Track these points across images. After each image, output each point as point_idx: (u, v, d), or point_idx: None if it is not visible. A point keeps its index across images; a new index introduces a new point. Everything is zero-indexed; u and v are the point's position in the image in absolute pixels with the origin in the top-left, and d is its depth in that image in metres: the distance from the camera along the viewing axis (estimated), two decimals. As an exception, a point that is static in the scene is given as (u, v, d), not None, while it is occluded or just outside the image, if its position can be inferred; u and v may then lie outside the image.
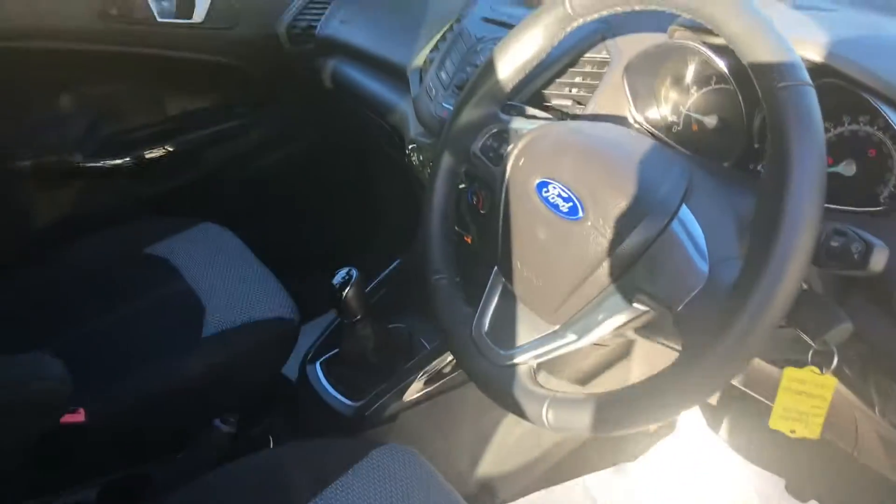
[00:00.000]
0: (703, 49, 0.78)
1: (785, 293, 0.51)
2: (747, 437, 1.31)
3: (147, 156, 1.59)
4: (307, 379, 1.15)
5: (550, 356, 0.69)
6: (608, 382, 1.21)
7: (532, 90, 0.98)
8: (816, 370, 0.64)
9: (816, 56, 0.70)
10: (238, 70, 1.62)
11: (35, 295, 1.22)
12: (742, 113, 0.78)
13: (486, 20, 1.14)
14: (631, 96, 0.89)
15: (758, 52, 0.56)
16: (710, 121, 0.83)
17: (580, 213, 0.65)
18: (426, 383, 1.11)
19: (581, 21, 0.72)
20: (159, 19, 1.48)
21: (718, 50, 0.77)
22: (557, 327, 0.69)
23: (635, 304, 0.62)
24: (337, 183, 1.81)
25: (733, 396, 1.29)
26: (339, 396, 1.12)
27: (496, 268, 0.76)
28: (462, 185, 1.05)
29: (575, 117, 0.93)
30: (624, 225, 0.62)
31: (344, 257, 1.73)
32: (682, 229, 0.61)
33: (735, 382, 0.87)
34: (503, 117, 0.80)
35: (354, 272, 1.06)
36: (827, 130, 0.71)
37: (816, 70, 0.56)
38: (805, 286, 0.62)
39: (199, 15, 1.52)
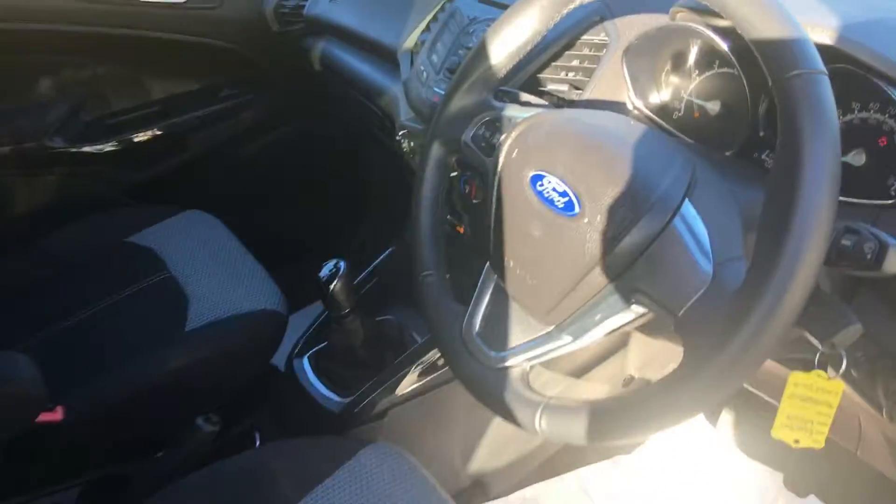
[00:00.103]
0: (707, 31, 0.75)
1: (795, 298, 0.48)
2: (744, 430, 1.29)
3: (131, 141, 1.54)
4: (294, 373, 1.12)
5: (544, 358, 0.66)
6: (604, 374, 1.18)
7: (527, 75, 0.94)
8: (824, 374, 0.60)
9: (825, 39, 0.66)
10: (224, 52, 1.56)
11: (11, 287, 1.18)
12: (747, 99, 0.74)
13: (480, 0, 1.10)
14: (630, 81, 0.86)
15: (768, 36, 0.52)
16: (713, 107, 0.80)
17: (576, 209, 0.61)
18: (418, 378, 1.08)
19: (578, 2, 0.68)
20: (142, -1, 1.44)
21: (722, 32, 0.74)
22: (552, 328, 0.65)
23: (634, 306, 0.59)
24: (327, 168, 1.77)
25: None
26: (328, 392, 1.08)
27: (488, 264, 0.72)
28: (454, 174, 1.02)
29: (572, 103, 0.90)
30: (623, 222, 0.58)
31: (335, 244, 1.71)
32: (685, 227, 0.57)
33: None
34: (496, 104, 0.75)
35: (342, 264, 1.02)
36: None
37: (825, 54, 0.52)
38: None
39: (182, -6, 1.48)
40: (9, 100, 1.45)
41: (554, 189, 0.63)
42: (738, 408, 1.28)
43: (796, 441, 0.61)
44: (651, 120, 0.85)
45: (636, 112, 0.87)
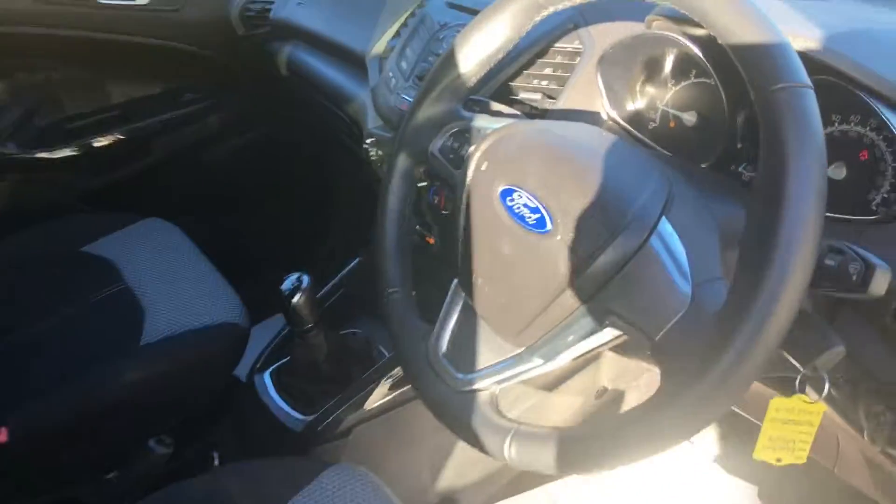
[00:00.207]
0: (684, 40, 0.73)
1: (779, 323, 0.45)
2: (721, 444, 1.27)
3: (89, 146, 1.49)
4: (255, 390, 1.07)
5: (514, 381, 0.63)
6: (577, 387, 1.15)
7: (498, 83, 0.91)
8: (805, 398, 0.58)
9: (805, 49, 0.64)
10: (187, 55, 1.52)
11: (-43, 298, 1.12)
12: (724, 110, 0.72)
13: (451, 5, 1.07)
14: (605, 90, 0.84)
15: (751, 47, 0.50)
16: (689, 118, 0.78)
17: (548, 226, 0.58)
18: (385, 394, 1.04)
19: (552, 9, 0.65)
20: (100, 0, 1.38)
21: (700, 41, 0.72)
22: (522, 350, 0.62)
23: (608, 329, 0.55)
24: (293, 176, 1.73)
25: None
26: (290, 410, 1.04)
27: (455, 280, 0.69)
28: (423, 183, 0.98)
29: (545, 112, 0.87)
30: (597, 240, 0.55)
31: (300, 254, 1.67)
32: (662, 245, 0.54)
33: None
34: (465, 114, 0.72)
35: (305, 278, 0.98)
36: None
37: (805, 65, 0.49)
38: None
39: (143, -4, 1.43)
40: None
41: (525, 205, 0.59)
42: (715, 422, 1.26)
43: (778, 460, 0.59)
44: (625, 130, 0.83)
45: (610, 122, 0.84)
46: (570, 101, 0.86)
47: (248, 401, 1.07)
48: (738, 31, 0.51)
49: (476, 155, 0.67)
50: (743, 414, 0.93)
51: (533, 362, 0.61)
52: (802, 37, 0.65)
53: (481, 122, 0.71)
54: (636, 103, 0.84)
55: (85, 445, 1.00)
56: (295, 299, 0.96)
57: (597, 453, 0.52)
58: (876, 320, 0.60)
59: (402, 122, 0.77)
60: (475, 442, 0.61)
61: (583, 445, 0.53)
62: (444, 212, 0.97)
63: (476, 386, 0.63)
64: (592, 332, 0.57)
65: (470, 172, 0.66)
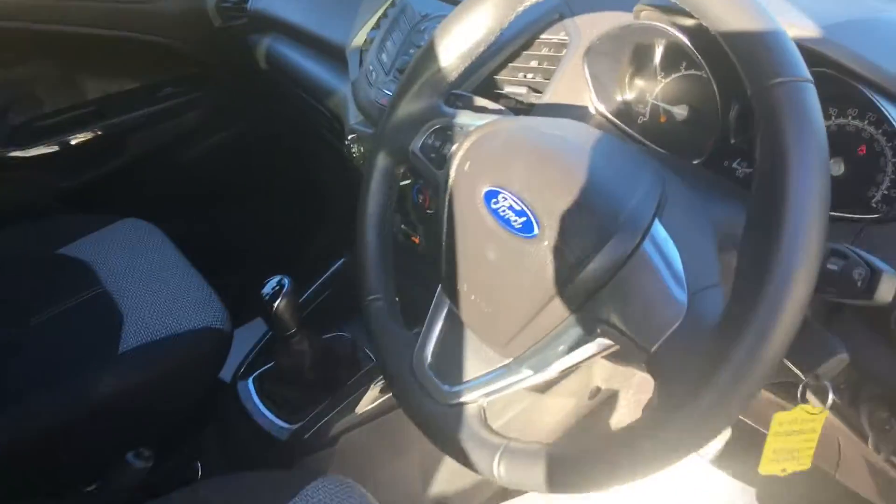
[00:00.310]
0: (673, 31, 0.70)
1: (782, 335, 0.42)
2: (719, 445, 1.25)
3: (64, 144, 1.44)
4: (238, 398, 1.04)
5: (503, 393, 0.60)
6: (569, 388, 1.13)
7: (481, 77, 0.88)
8: (808, 408, 0.56)
9: (801, 40, 0.61)
10: (164, 49, 1.48)
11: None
12: (716, 103, 0.69)
13: (432, -5, 1.03)
14: (592, 83, 0.81)
15: (746, 39, 0.47)
16: (680, 111, 0.76)
17: (535, 230, 0.54)
18: (373, 399, 1.01)
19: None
20: (71, -8, 1.34)
21: (690, 31, 0.69)
22: (510, 360, 0.59)
23: (601, 339, 0.53)
24: (275, 173, 1.69)
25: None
26: (274, 419, 1.01)
27: (440, 287, 0.65)
28: (407, 181, 0.95)
29: (531, 107, 0.84)
30: (587, 245, 0.52)
31: (284, 253, 1.63)
32: (656, 250, 0.51)
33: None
34: (447, 110, 0.69)
35: (287, 281, 0.95)
36: None
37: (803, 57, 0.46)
38: None
39: (115, -13, 1.39)
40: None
41: (510, 207, 0.56)
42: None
43: (783, 470, 0.57)
44: (614, 125, 0.80)
45: (598, 117, 0.82)
46: (556, 94, 0.83)
47: (231, 409, 1.04)
48: (732, 21, 0.48)
49: (458, 154, 0.63)
50: (741, 417, 0.90)
51: (522, 373, 0.58)
52: (797, 26, 0.62)
53: (464, 118, 0.67)
54: (625, 97, 0.81)
55: (61, 458, 0.97)
56: (276, 304, 0.93)
57: (590, 473, 0.49)
58: (879, 324, 0.57)
59: (382, 117, 0.74)
60: (462, 459, 0.58)
61: (575, 465, 0.50)
62: (428, 211, 0.94)
63: (463, 399, 0.60)
64: (583, 343, 0.54)
65: (452, 173, 0.63)
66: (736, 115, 0.70)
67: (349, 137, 1.05)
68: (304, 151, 1.65)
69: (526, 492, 1.23)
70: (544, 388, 1.09)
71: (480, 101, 0.73)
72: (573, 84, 0.82)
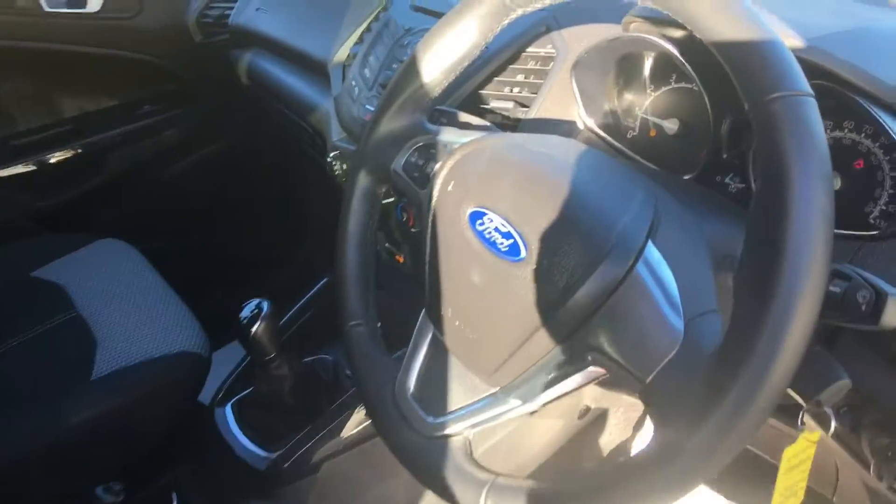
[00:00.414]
0: (664, 43, 0.67)
1: (784, 366, 0.40)
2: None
3: (40, 163, 1.41)
4: (216, 425, 1.00)
5: (489, 424, 0.56)
6: (558, 408, 1.09)
7: (466, 92, 0.86)
8: (809, 436, 0.53)
9: (795, 51, 0.59)
10: (144, 65, 1.45)
11: None
12: (708, 117, 0.67)
13: (417, 8, 1.02)
14: (580, 97, 0.79)
15: (743, 51, 0.44)
16: (671, 125, 0.73)
17: (522, 253, 0.52)
18: (358, 423, 0.97)
19: (520, 12, 0.59)
20: (46, 9, 1.32)
21: (681, 44, 0.66)
22: (497, 389, 0.56)
23: (592, 367, 0.50)
24: (257, 190, 1.65)
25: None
26: (253, 447, 0.97)
27: (424, 311, 0.62)
28: (390, 199, 0.93)
29: (517, 122, 0.81)
30: (577, 269, 0.49)
31: (265, 274, 1.60)
32: (650, 273, 0.48)
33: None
34: (430, 127, 0.66)
35: (265, 304, 0.91)
36: None
37: None
38: None
39: (94, 3, 1.36)
40: None
41: (496, 229, 0.53)
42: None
43: None
44: (603, 140, 0.78)
45: (587, 131, 0.79)
46: (543, 109, 0.81)
47: (207, 437, 1.00)
48: (728, 32, 0.45)
49: (442, 173, 0.60)
50: None
51: (509, 403, 0.55)
52: (789, 37, 0.60)
53: (448, 136, 0.64)
54: (614, 111, 0.79)
55: (26, 492, 0.93)
56: (255, 329, 0.89)
57: None
58: (880, 347, 0.55)
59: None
60: (447, 495, 0.55)
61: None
62: (413, 229, 0.92)
63: (448, 431, 0.57)
64: (574, 371, 0.51)
65: (436, 193, 0.60)
66: (728, 129, 0.67)
67: (332, 154, 1.02)
68: (287, 169, 1.63)
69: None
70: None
71: (465, 117, 0.71)
72: (561, 98, 0.80)
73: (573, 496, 0.46)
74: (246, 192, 1.63)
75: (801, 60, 0.56)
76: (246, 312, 0.92)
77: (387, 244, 1.00)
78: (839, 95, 0.58)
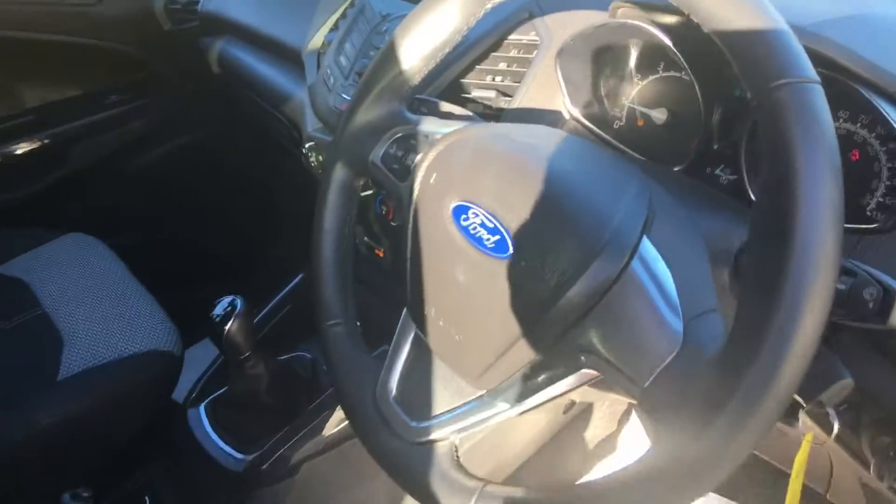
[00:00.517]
0: (653, 29, 0.65)
1: (792, 370, 0.37)
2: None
3: (1, 156, 1.35)
4: (189, 426, 0.96)
5: (476, 428, 0.54)
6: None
7: (447, 80, 0.83)
8: (811, 438, 0.51)
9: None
10: (110, 53, 1.40)
11: None
12: (699, 106, 0.65)
13: (393, -6, 0.98)
14: (565, 86, 0.76)
15: (744, 36, 0.42)
16: (659, 115, 0.71)
17: (510, 249, 0.49)
18: (337, 422, 0.94)
19: None
20: (7, -5, 1.25)
21: (671, 30, 0.64)
22: (483, 393, 0.53)
23: (585, 370, 0.47)
24: (229, 183, 1.61)
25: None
26: (228, 449, 0.93)
27: (405, 310, 0.59)
28: (369, 192, 0.90)
29: (500, 112, 0.79)
30: (568, 266, 0.46)
31: (238, 269, 1.56)
32: (645, 271, 0.46)
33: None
34: (410, 117, 0.63)
35: (239, 301, 0.88)
36: None
37: None
38: None
39: (56, -12, 1.30)
40: None
41: (481, 224, 0.51)
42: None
43: None
44: (589, 130, 0.75)
45: (572, 121, 0.77)
46: (527, 98, 0.78)
47: (181, 439, 0.96)
48: (728, 16, 0.43)
49: (423, 165, 0.57)
50: None
51: (497, 407, 0.53)
52: (787, 23, 0.58)
53: (429, 125, 0.61)
54: (600, 100, 0.77)
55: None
56: (228, 327, 0.86)
57: None
58: (883, 345, 0.53)
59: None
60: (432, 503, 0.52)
61: None
62: (393, 223, 0.89)
63: (433, 436, 0.54)
64: (566, 374, 0.48)
65: (417, 185, 0.57)
66: (720, 119, 0.65)
67: (307, 146, 0.99)
68: (260, 161, 1.59)
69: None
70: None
71: (447, 107, 0.68)
72: (545, 87, 0.77)
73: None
74: (218, 185, 1.58)
75: None
76: (219, 310, 0.88)
77: (366, 238, 0.97)
78: (836, 83, 0.56)
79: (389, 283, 0.94)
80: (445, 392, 0.55)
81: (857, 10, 0.62)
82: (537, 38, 0.80)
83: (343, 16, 1.01)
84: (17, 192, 1.37)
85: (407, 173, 0.59)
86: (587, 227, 0.47)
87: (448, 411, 0.55)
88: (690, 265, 0.47)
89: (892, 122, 0.54)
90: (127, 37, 1.40)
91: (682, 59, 0.64)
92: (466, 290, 0.52)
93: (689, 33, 0.63)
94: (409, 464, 0.54)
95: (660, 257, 0.47)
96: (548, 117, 0.77)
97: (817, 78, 0.40)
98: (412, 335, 0.59)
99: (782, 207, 0.38)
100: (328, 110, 0.92)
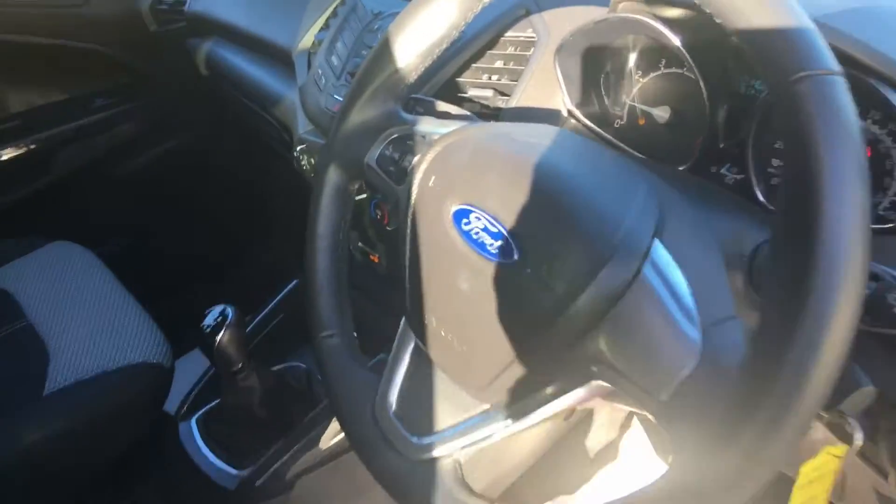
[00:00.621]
0: (656, 24, 0.62)
1: (825, 378, 0.35)
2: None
3: (-17, 162, 1.32)
4: (180, 441, 0.93)
5: (483, 444, 0.51)
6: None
7: (442, 79, 0.80)
8: (833, 450, 0.49)
9: None
10: (95, 55, 1.37)
11: None
12: (703, 103, 0.63)
13: (385, -9, 0.95)
14: (564, 84, 0.73)
15: (762, 28, 0.39)
16: (661, 113, 0.69)
17: (515, 255, 0.46)
18: (333, 434, 0.91)
19: None
20: (-11, -3, 1.23)
21: (674, 24, 0.62)
22: (488, 406, 0.51)
23: (596, 382, 0.45)
24: (219, 188, 1.58)
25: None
26: (221, 464, 0.90)
27: (403, 320, 0.57)
28: (363, 196, 0.87)
29: (497, 111, 0.76)
30: (577, 272, 0.44)
31: (230, 276, 1.53)
32: (658, 276, 0.43)
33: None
34: (406, 117, 0.60)
35: (230, 311, 0.85)
36: None
37: None
38: None
39: (40, -11, 1.28)
40: None
41: (484, 228, 0.48)
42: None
43: None
44: (589, 129, 0.73)
45: (572, 121, 0.74)
46: (525, 97, 0.76)
47: (172, 454, 0.93)
48: (744, 8, 0.40)
49: (421, 167, 0.55)
50: None
51: (503, 421, 0.50)
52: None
53: (426, 126, 0.59)
54: (600, 98, 0.74)
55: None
56: (219, 338, 0.83)
57: None
58: None
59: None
60: None
61: None
62: (388, 228, 0.86)
63: (435, 453, 0.51)
64: (576, 386, 0.46)
65: (415, 188, 0.55)
66: (725, 116, 0.63)
67: (298, 148, 0.96)
68: (251, 164, 1.56)
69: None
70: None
71: (443, 106, 0.65)
72: (543, 85, 0.75)
73: None
74: (207, 190, 1.55)
75: None
76: (209, 320, 0.85)
77: (360, 243, 0.94)
78: (848, 78, 0.54)
79: (385, 288, 0.92)
80: (448, 406, 0.53)
81: (868, 2, 0.60)
82: (534, 35, 0.78)
83: (334, 14, 0.99)
84: (2, 199, 1.35)
85: (404, 176, 0.57)
86: (595, 230, 0.45)
87: (451, 427, 0.52)
88: (705, 269, 0.45)
89: None
90: (113, 39, 1.37)
91: (686, 55, 0.62)
92: (469, 298, 0.49)
93: (693, 27, 0.61)
94: (412, 483, 0.52)
95: (673, 262, 0.44)
96: (546, 116, 0.75)
97: (840, 69, 0.38)
98: (412, 346, 0.56)
99: (806, 208, 0.36)
100: (320, 111, 0.90)
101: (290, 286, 1.13)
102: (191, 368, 1.10)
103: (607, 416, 1.21)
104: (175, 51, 1.37)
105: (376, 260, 0.93)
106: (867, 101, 0.55)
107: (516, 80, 0.77)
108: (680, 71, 0.68)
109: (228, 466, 0.91)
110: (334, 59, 0.91)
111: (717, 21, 0.42)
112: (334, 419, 0.92)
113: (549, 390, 0.47)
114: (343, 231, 0.64)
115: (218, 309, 0.86)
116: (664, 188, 0.50)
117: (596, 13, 0.69)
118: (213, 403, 0.98)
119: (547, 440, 1.10)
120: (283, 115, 1.07)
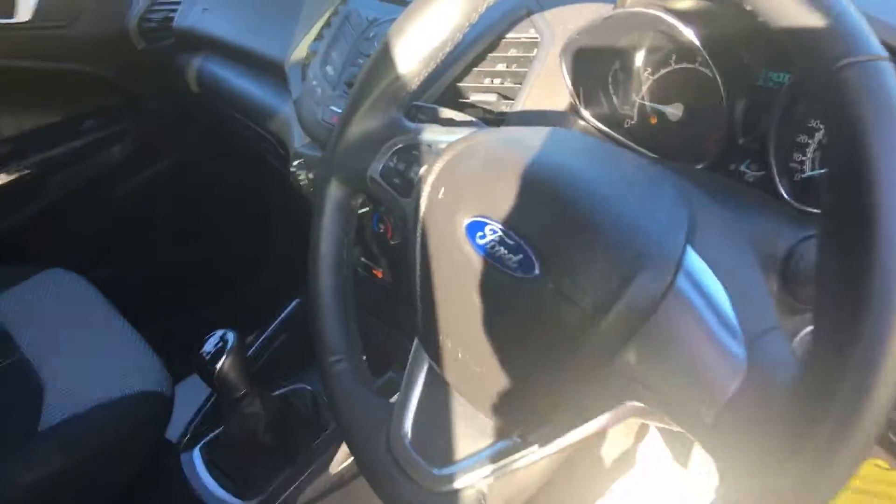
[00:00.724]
0: (667, 17, 0.59)
1: (887, 393, 0.32)
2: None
3: (-28, 189, 1.29)
4: (183, 472, 0.90)
5: (506, 471, 0.48)
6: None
7: (444, 85, 0.77)
8: (880, 462, 0.45)
9: None
10: (84, 77, 1.34)
11: None
12: (719, 98, 0.59)
13: (380, -2, 0.92)
14: (570, 84, 0.70)
15: (798, 14, 0.36)
16: (674, 111, 0.66)
17: (536, 269, 0.43)
18: (343, 459, 0.88)
19: None
20: (-30, 21, 1.20)
21: (688, 17, 0.59)
22: (513, 432, 0.47)
23: (631, 402, 0.41)
24: (215, 208, 1.55)
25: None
26: (226, 496, 0.87)
27: (416, 341, 0.53)
28: (365, 209, 0.84)
29: (502, 117, 0.73)
30: (606, 286, 0.40)
31: (229, 298, 1.49)
32: (694, 287, 0.40)
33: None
34: (409, 126, 0.57)
35: (231, 336, 0.81)
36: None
37: None
38: None
39: (24, 12, 1.24)
40: None
41: (501, 241, 0.45)
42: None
43: None
44: (599, 131, 0.70)
45: (581, 123, 0.71)
46: (530, 100, 0.73)
47: (175, 485, 0.90)
48: None
49: (429, 178, 0.51)
50: None
51: (528, 448, 0.47)
52: None
53: (432, 134, 0.55)
54: (608, 98, 0.71)
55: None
56: (220, 364, 0.79)
57: None
58: None
59: (331, 139, 0.62)
60: None
61: None
62: (392, 242, 0.83)
63: (456, 484, 0.48)
64: (606, 409, 0.42)
65: (423, 201, 0.51)
66: (744, 111, 0.60)
67: (295, 163, 0.93)
68: (247, 182, 1.52)
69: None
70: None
71: (447, 113, 0.62)
72: (548, 87, 0.72)
73: None
74: (203, 210, 1.52)
75: None
76: (209, 346, 0.81)
77: (363, 258, 0.91)
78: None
79: (389, 304, 0.89)
80: (468, 432, 0.49)
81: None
82: (537, 36, 0.75)
83: (327, 24, 0.96)
84: (-8, 226, 1.31)
85: (410, 188, 0.53)
86: (622, 239, 0.41)
87: (472, 455, 0.49)
88: (743, 276, 0.41)
89: None
90: (100, 59, 1.34)
91: (700, 49, 0.59)
92: (487, 316, 0.46)
93: (706, 19, 0.58)
94: None
95: (708, 270, 0.41)
96: (553, 119, 0.72)
97: (886, 54, 0.35)
98: (426, 368, 0.53)
99: (858, 205, 0.32)
100: (316, 124, 0.87)
101: (291, 305, 1.09)
102: (192, 394, 1.06)
103: (623, 424, 1.18)
104: (164, 69, 1.33)
105: (380, 275, 0.90)
106: None
107: (520, 83, 0.74)
108: (692, 66, 0.65)
109: (234, 498, 0.87)
110: (329, 70, 0.88)
111: (748, 8, 0.39)
112: (343, 444, 0.88)
113: (577, 414, 0.44)
114: (347, 248, 0.60)
115: (217, 334, 0.83)
116: (690, 188, 0.47)
117: (601, 10, 0.66)
118: (216, 432, 0.94)
119: (563, 452, 1.06)
120: (278, 130, 1.04)
